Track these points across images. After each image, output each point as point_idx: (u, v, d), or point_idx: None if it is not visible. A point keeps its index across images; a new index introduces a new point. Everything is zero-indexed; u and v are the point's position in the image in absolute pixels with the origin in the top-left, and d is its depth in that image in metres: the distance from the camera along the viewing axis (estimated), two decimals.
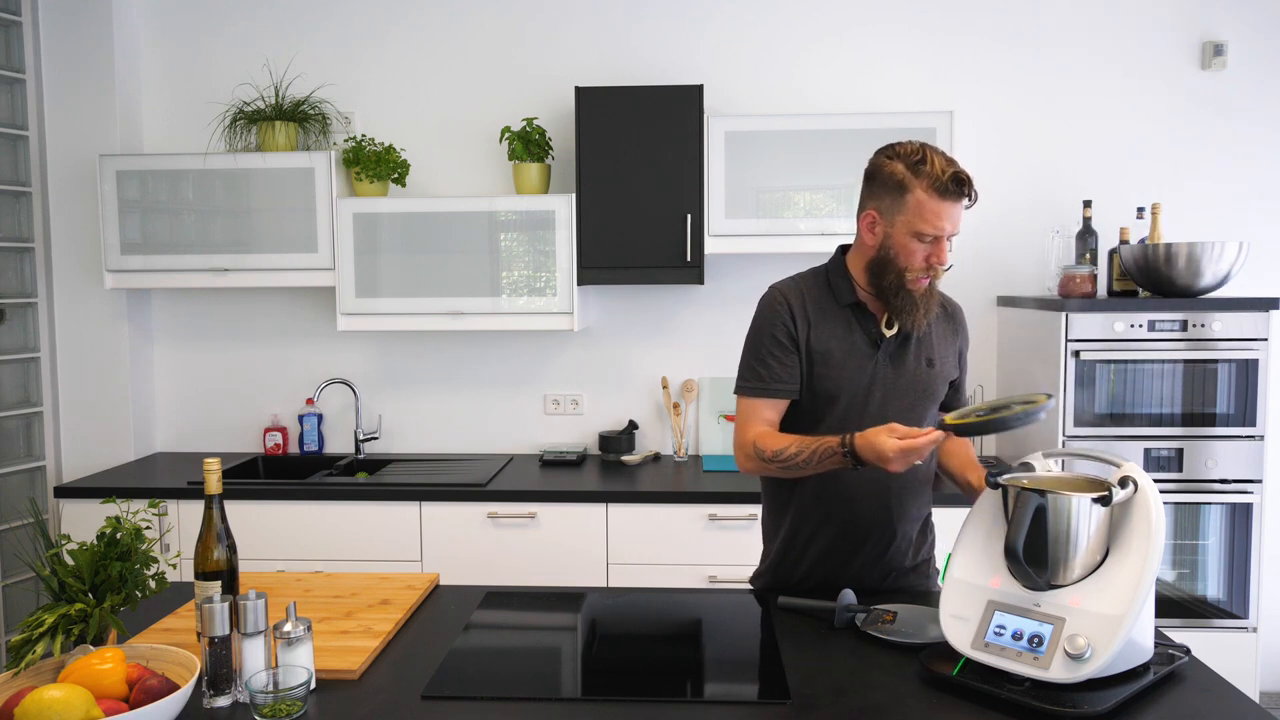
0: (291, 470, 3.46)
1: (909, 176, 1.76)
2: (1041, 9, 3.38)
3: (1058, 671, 1.36)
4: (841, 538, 1.89)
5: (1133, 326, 2.90)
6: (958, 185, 1.73)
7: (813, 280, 1.93)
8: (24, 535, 3.34)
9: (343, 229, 3.21)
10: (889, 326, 1.85)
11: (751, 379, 1.89)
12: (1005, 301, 3.38)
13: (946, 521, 2.89)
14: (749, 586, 2.04)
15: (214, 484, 1.56)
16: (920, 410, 1.88)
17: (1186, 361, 2.89)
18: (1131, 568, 1.39)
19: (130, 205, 3.26)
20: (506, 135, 3.31)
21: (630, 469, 3.29)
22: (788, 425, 1.89)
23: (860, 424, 1.79)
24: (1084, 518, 1.42)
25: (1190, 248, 2.85)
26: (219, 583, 1.54)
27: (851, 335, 1.85)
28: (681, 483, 3.07)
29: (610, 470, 3.27)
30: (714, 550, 2.95)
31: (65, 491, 3.09)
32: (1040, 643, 1.39)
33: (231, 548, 1.58)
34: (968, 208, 1.76)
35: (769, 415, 1.87)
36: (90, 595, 1.52)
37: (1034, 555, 1.43)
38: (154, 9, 3.53)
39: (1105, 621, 1.36)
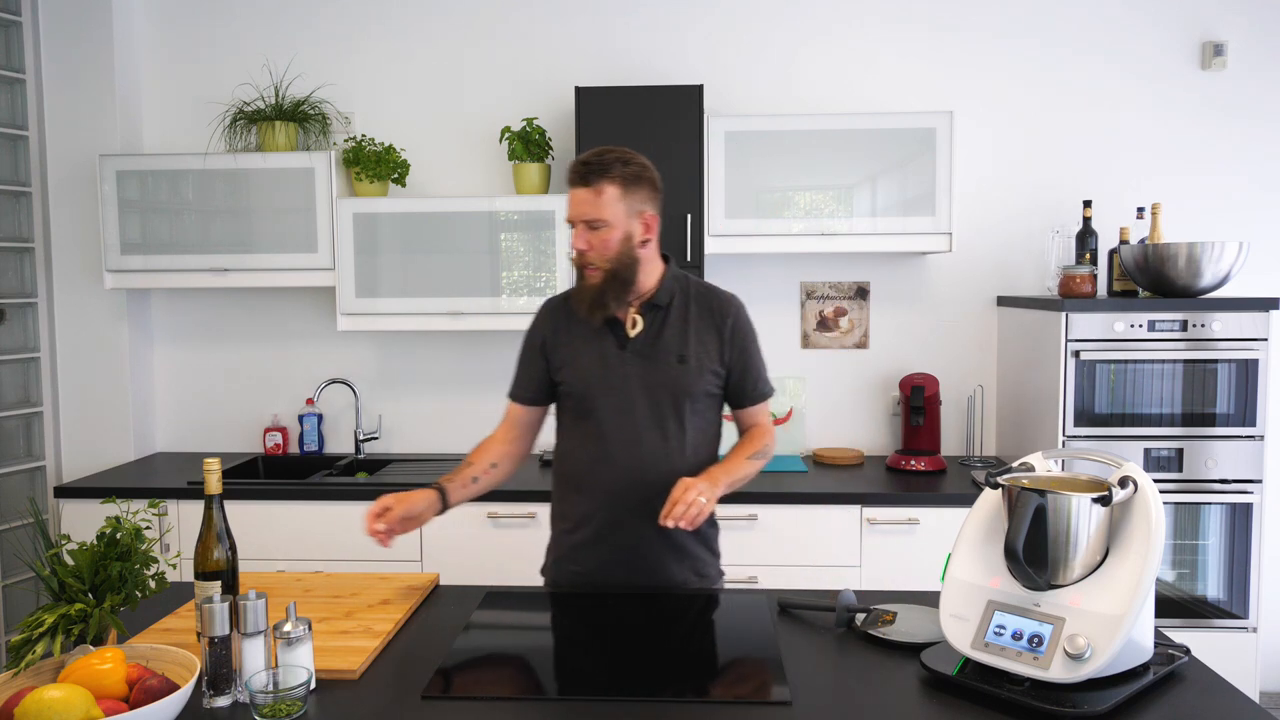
0: (291, 470, 3.46)
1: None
2: (1042, 10, 3.38)
3: (1057, 671, 1.36)
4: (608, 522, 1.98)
5: (1133, 326, 2.89)
6: (579, 169, 1.87)
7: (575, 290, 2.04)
8: (24, 535, 3.34)
9: (343, 229, 3.21)
10: (635, 327, 1.96)
11: (513, 383, 2.10)
12: (1005, 301, 3.38)
13: (947, 521, 2.91)
14: (714, 585, 2.09)
15: (214, 484, 1.56)
16: (679, 404, 1.95)
17: (1186, 361, 2.89)
18: (1131, 568, 1.39)
19: (130, 205, 3.26)
20: (506, 135, 3.31)
21: None
22: (564, 421, 2.04)
23: (620, 420, 1.93)
24: (1084, 518, 1.41)
25: (1190, 248, 2.85)
26: (219, 583, 1.54)
27: (601, 340, 1.96)
28: None
29: None
30: None
31: (65, 491, 3.08)
32: (1040, 643, 1.39)
33: (232, 548, 1.58)
34: (599, 191, 1.85)
35: (513, 415, 2.10)
36: (90, 595, 1.52)
37: (1034, 555, 1.43)
38: (154, 9, 3.53)
39: (1105, 621, 1.36)
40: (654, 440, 1.94)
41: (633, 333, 1.95)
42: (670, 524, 1.74)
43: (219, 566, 1.56)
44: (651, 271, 1.97)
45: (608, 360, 1.95)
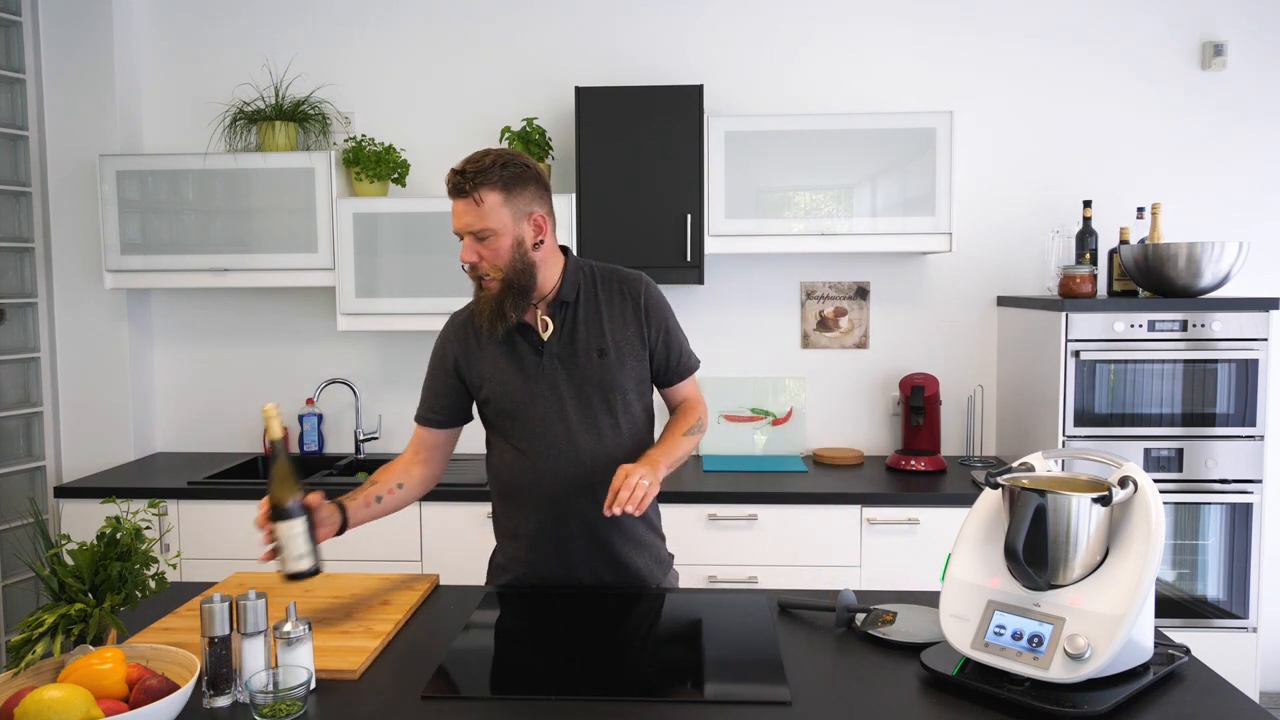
0: None
1: None
2: (1043, 10, 3.38)
3: (1057, 671, 1.36)
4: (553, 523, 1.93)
5: (1133, 326, 2.90)
6: (454, 179, 1.80)
7: None
8: (24, 535, 3.34)
9: (343, 229, 3.21)
10: (546, 329, 1.90)
11: (420, 404, 2.04)
12: (1005, 301, 3.38)
13: (947, 521, 2.91)
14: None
15: (276, 429, 1.65)
16: (610, 399, 1.90)
17: (1186, 361, 2.89)
18: (1131, 568, 1.39)
19: (130, 205, 3.26)
20: (506, 135, 3.31)
21: None
22: (494, 436, 1.99)
23: (553, 429, 1.88)
24: (1084, 518, 1.41)
25: (1190, 248, 2.85)
26: (302, 519, 1.63)
27: (517, 350, 1.90)
28: (681, 483, 3.07)
29: None
30: (714, 550, 2.95)
31: (65, 491, 3.08)
32: (1040, 643, 1.39)
33: (303, 488, 1.65)
34: (479, 201, 1.78)
35: (422, 439, 2.04)
36: (90, 595, 1.52)
37: (1034, 555, 1.43)
38: (154, 9, 3.53)
39: (1105, 621, 1.36)
40: (590, 443, 1.89)
41: (546, 335, 1.89)
42: (617, 511, 1.68)
43: (290, 499, 1.63)
44: (552, 269, 1.89)
45: (528, 370, 1.89)
